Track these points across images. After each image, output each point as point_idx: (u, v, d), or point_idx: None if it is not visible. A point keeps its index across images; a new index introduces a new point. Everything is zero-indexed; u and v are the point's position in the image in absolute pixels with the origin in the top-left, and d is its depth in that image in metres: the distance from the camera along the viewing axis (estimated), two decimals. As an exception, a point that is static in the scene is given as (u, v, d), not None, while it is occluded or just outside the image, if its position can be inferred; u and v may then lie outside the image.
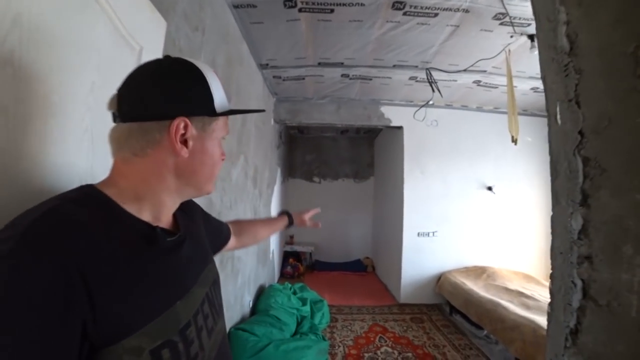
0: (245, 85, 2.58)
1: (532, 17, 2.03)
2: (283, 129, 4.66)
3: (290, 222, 1.25)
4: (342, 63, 2.97)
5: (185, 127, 0.53)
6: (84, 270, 0.39)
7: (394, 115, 4.00)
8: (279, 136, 4.44)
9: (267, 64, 2.98)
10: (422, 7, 2.11)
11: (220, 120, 0.60)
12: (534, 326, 2.27)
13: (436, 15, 2.18)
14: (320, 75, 3.26)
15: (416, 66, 2.96)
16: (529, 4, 1.92)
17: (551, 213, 0.42)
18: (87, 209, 0.45)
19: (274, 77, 3.28)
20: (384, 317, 3.55)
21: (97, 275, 0.40)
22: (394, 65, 2.98)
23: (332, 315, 3.50)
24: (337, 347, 2.87)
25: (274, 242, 4.30)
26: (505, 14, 2.12)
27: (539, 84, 3.16)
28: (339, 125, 4.28)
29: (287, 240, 5.60)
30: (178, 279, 0.55)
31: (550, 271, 0.42)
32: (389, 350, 2.83)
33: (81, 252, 0.40)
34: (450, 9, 2.12)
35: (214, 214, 1.01)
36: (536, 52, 2.40)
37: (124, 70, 0.57)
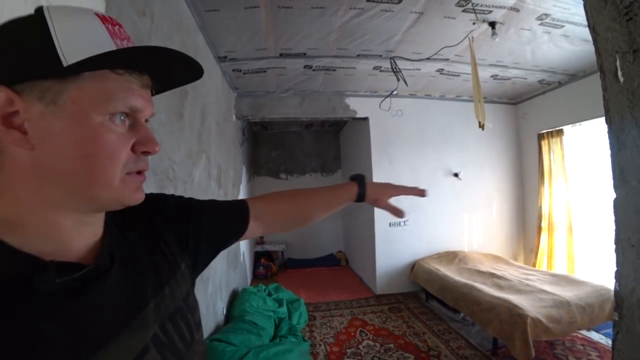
0: (202, 80, 2.37)
1: (494, 4, 2.00)
2: (246, 125, 4.46)
3: (360, 198, 0.81)
4: (304, 54, 2.86)
5: (10, 101, 0.34)
6: None
7: (359, 106, 3.96)
8: (242, 133, 4.24)
9: (226, 57, 2.80)
10: (386, -7, 2.06)
11: (94, 82, 0.37)
12: (509, 305, 2.34)
13: (400, 1, 2.13)
14: (283, 67, 3.12)
15: (380, 55, 2.92)
16: (491, -9, 1.88)
17: (614, 195, 0.35)
18: None
19: (233, 70, 3.09)
20: (362, 310, 3.53)
21: None
22: (358, 55, 2.91)
23: (310, 313, 3.42)
24: (318, 346, 2.80)
25: (243, 244, 4.12)
26: (467, 1, 2.12)
27: (499, 72, 3.26)
28: (304, 119, 4.17)
29: (257, 240, 5.42)
30: (73, 339, 0.35)
31: (616, 268, 0.35)
32: (371, 343, 2.80)
33: None
34: (414, -5, 2.08)
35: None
36: (497, 40, 2.45)
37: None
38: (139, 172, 0.43)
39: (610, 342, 2.35)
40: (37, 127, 0.35)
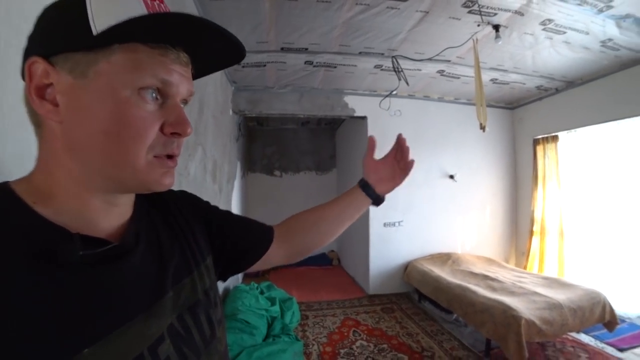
0: (202, 71, 2.32)
1: (499, 6, 2.02)
2: (242, 121, 4.39)
3: (374, 197, 0.79)
4: (306, 49, 2.82)
5: (45, 73, 0.35)
6: None
7: (358, 105, 3.94)
8: (238, 128, 4.17)
9: (226, 48, 2.73)
10: (394, -11, 2.04)
11: (124, 54, 0.35)
12: (503, 307, 2.34)
13: (407, -1, 2.11)
14: (283, 62, 3.07)
15: (382, 54, 2.90)
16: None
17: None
18: None
19: (232, 62, 3.03)
20: (355, 310, 3.51)
21: None
22: (360, 52, 2.89)
23: (302, 312, 3.39)
24: (311, 346, 2.76)
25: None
26: (474, 2, 2.11)
27: (499, 75, 3.28)
28: (302, 116, 4.12)
29: (249, 237, 5.35)
30: (90, 314, 0.34)
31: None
32: (364, 343, 2.78)
33: None
34: (422, -7, 2.06)
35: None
36: (500, 43, 2.45)
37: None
38: (170, 157, 0.41)
39: (599, 343, 2.37)
40: (67, 100, 0.35)
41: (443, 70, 3.22)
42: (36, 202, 0.36)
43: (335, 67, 3.19)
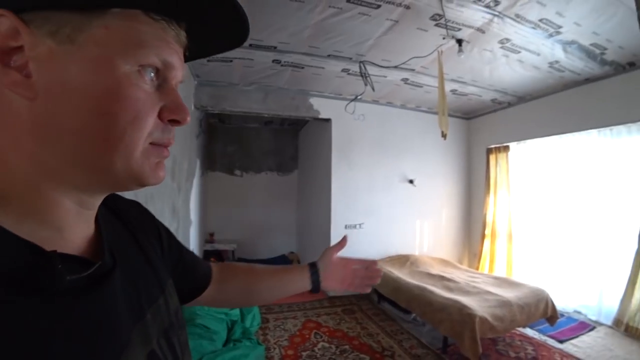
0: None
1: (464, 22, 2.16)
2: (203, 117, 4.21)
3: (315, 286, 0.77)
4: (275, 47, 2.77)
5: (14, 32, 0.27)
6: None
7: (323, 107, 3.95)
8: (199, 124, 3.99)
9: (191, 40, 2.60)
10: (368, -4, 2.07)
11: (124, 21, 0.30)
12: (459, 306, 2.48)
13: (379, 7, 2.16)
14: (250, 59, 2.99)
15: (350, 58, 2.94)
16: (464, 9, 2.03)
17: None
18: None
19: (197, 55, 2.89)
20: (316, 312, 3.51)
21: None
22: (329, 55, 2.90)
23: (263, 315, 3.31)
24: (272, 350, 2.71)
25: (193, 241, 3.87)
26: (441, 16, 2.21)
27: (458, 87, 3.48)
28: (266, 115, 4.06)
29: (207, 238, 5.15)
30: (86, 352, 0.28)
31: None
32: (326, 345, 2.78)
33: None
34: (393, 3, 2.12)
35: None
36: (462, 57, 2.59)
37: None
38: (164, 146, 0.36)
39: (542, 336, 2.59)
40: (45, 70, 0.27)
41: (407, 79, 3.35)
42: None
43: (302, 67, 3.17)
